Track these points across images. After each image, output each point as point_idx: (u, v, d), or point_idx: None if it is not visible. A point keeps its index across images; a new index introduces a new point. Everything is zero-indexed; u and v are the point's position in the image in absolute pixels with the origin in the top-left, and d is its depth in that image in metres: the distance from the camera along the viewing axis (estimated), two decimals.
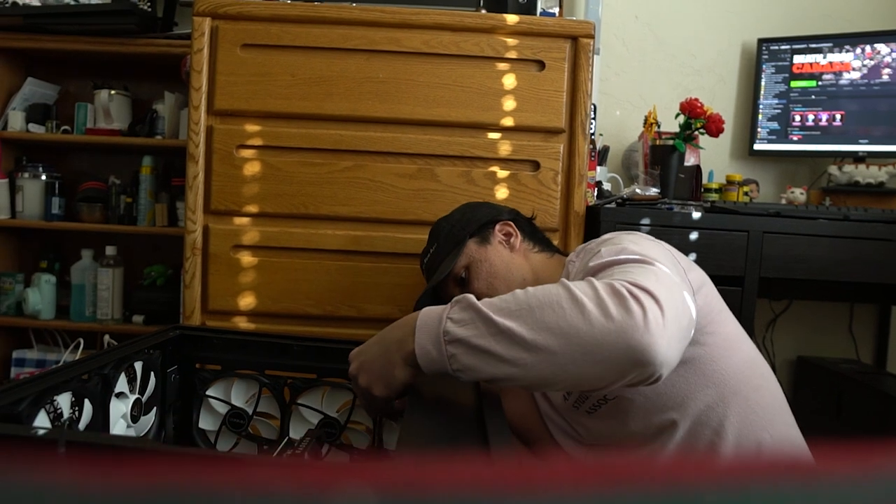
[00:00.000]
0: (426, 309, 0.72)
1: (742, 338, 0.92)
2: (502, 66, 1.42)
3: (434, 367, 0.69)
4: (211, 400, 0.86)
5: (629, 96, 2.19)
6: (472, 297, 0.70)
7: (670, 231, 1.48)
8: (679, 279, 0.74)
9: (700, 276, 0.91)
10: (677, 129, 1.83)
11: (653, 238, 0.90)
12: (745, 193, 1.95)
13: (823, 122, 2.00)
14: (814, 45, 2.01)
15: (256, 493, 0.19)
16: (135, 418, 0.76)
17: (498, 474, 0.20)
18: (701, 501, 0.20)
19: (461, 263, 1.10)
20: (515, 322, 0.66)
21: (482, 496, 0.20)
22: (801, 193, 1.92)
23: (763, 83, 2.07)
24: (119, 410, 0.73)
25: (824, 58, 2.00)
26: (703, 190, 1.88)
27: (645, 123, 1.89)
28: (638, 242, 0.83)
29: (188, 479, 0.20)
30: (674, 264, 0.80)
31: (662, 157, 1.79)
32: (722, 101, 2.18)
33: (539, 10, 1.65)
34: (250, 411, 0.85)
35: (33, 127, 2.08)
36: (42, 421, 0.59)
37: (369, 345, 0.76)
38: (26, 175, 2.10)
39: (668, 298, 0.66)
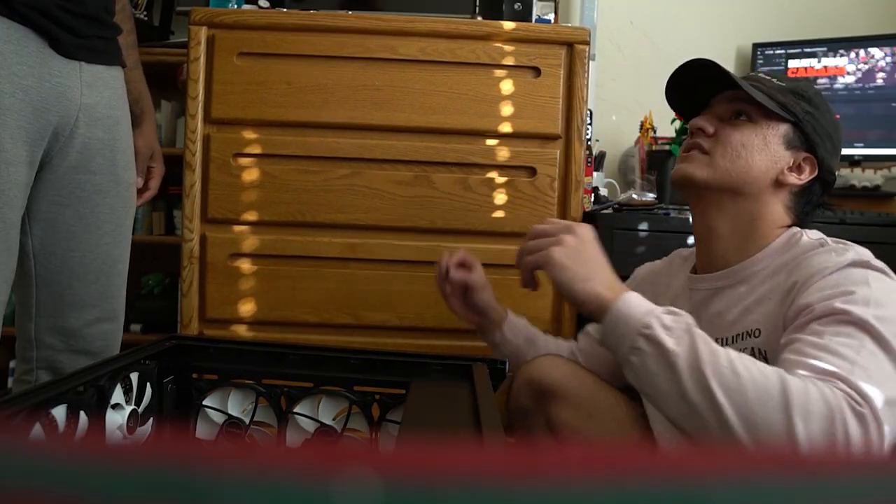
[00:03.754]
0: (631, 296, 0.75)
1: None
2: (498, 72, 1.42)
3: (610, 338, 0.72)
4: (208, 410, 0.85)
5: (625, 102, 2.20)
6: (691, 318, 0.71)
7: (667, 236, 1.48)
8: None
9: None
10: (673, 135, 1.83)
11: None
12: None
13: None
14: (808, 50, 2.02)
15: (261, 477, 0.19)
16: (131, 430, 0.75)
17: (504, 458, 0.20)
18: (700, 491, 0.20)
19: (753, 117, 0.90)
20: (719, 383, 0.65)
21: (487, 479, 0.20)
22: None
23: None
24: (115, 422, 0.72)
25: (819, 62, 2.00)
26: None
27: (641, 129, 1.89)
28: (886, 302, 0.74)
29: (195, 462, 0.20)
30: None
31: (659, 162, 1.80)
32: None
33: (534, 16, 1.66)
34: (247, 421, 0.85)
35: None
36: (37, 434, 0.59)
37: (589, 251, 0.79)
38: None
39: (880, 428, 0.63)
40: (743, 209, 0.90)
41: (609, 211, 1.54)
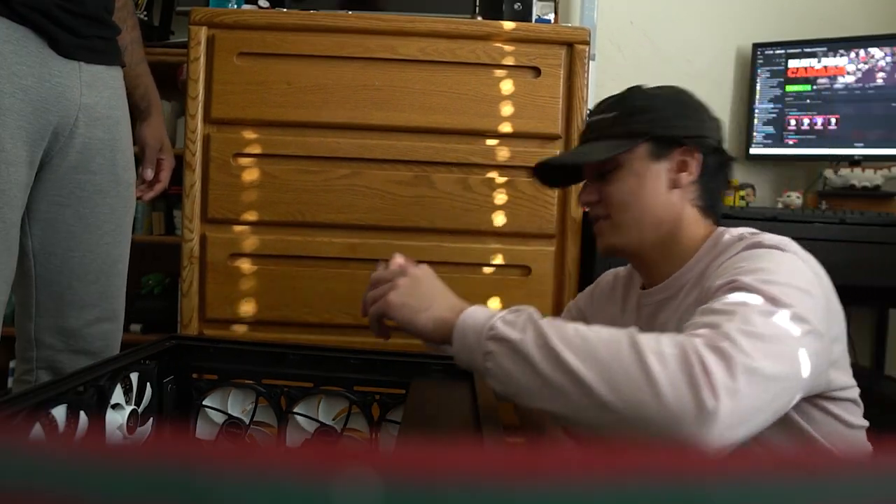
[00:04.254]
0: (475, 307, 0.74)
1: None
2: (498, 72, 1.42)
3: (463, 354, 0.70)
4: (208, 410, 0.85)
5: None
6: (533, 309, 0.70)
7: None
8: (805, 358, 0.65)
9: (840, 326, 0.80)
10: None
11: (820, 272, 0.79)
12: (742, 198, 1.95)
13: (819, 126, 2.00)
14: (808, 50, 2.02)
15: (261, 477, 0.19)
16: (131, 430, 0.75)
17: (504, 459, 0.20)
18: (700, 491, 0.20)
19: (618, 160, 0.90)
20: (571, 351, 0.63)
21: (487, 479, 0.20)
22: (798, 197, 1.92)
23: (758, 88, 2.08)
24: (115, 422, 0.72)
25: (819, 62, 2.00)
26: None
27: None
28: (799, 280, 0.72)
29: (195, 462, 0.20)
30: (821, 322, 0.70)
31: None
32: (717, 106, 2.16)
33: (534, 16, 1.66)
34: (247, 421, 0.85)
35: None
36: (37, 434, 0.59)
37: (425, 285, 0.79)
38: None
39: (758, 390, 0.59)
40: (662, 231, 0.91)
41: None
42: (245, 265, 1.42)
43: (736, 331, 0.62)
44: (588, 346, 0.63)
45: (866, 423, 0.86)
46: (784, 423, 0.74)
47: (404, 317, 0.78)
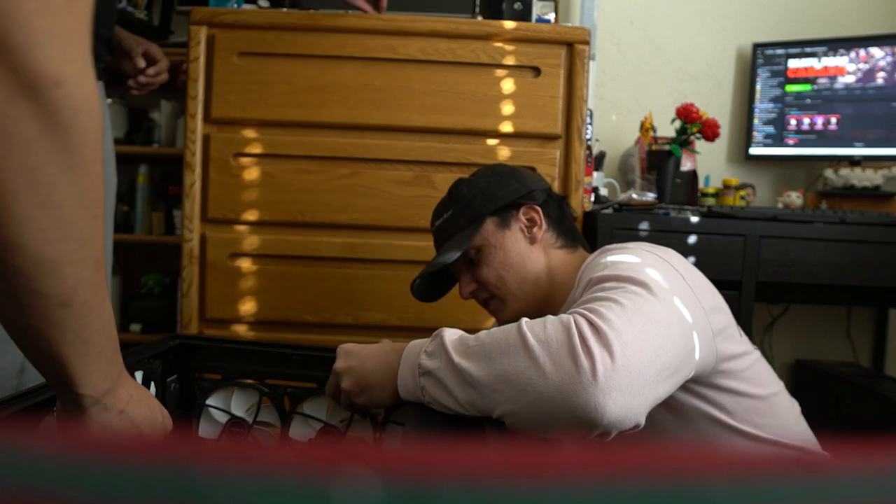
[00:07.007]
0: (413, 342, 0.74)
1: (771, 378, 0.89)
2: (498, 72, 1.42)
3: (412, 397, 0.71)
4: (211, 409, 0.85)
5: (625, 101, 2.20)
6: (447, 331, 0.71)
7: (667, 236, 1.48)
8: (678, 316, 0.70)
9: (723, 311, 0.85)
10: (673, 134, 1.83)
11: (670, 257, 0.83)
12: (742, 198, 1.96)
13: (819, 126, 2.01)
14: (808, 50, 2.02)
15: (262, 477, 0.19)
16: None
17: (504, 459, 0.21)
18: (700, 491, 0.20)
19: (474, 244, 0.98)
20: (470, 361, 0.66)
21: (487, 480, 0.20)
22: (798, 197, 1.93)
23: (758, 87, 2.08)
24: None
25: (819, 62, 2.00)
26: (699, 194, 1.88)
27: (641, 128, 1.90)
28: (647, 263, 0.78)
29: (197, 462, 0.20)
30: (686, 296, 0.75)
31: (659, 161, 1.80)
32: (717, 106, 2.19)
33: (535, 16, 1.66)
34: (250, 420, 0.85)
35: None
36: (40, 433, 0.59)
37: (368, 356, 0.77)
38: None
39: (632, 345, 0.62)
40: (543, 285, 0.97)
41: (609, 211, 1.54)
42: (245, 265, 1.42)
43: (608, 310, 0.66)
44: (482, 349, 0.67)
45: (776, 389, 0.89)
46: (694, 414, 0.81)
47: (370, 398, 0.76)
